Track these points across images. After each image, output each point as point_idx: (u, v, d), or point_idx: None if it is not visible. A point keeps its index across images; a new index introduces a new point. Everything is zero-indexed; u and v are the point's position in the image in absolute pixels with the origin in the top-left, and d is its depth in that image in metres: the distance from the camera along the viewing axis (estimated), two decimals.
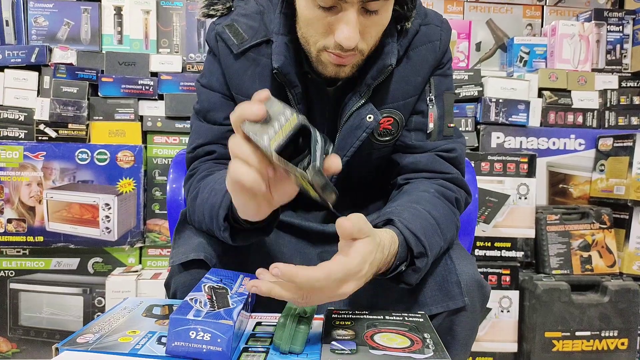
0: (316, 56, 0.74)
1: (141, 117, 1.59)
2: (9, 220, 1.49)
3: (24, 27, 1.61)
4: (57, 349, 0.55)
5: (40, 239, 1.49)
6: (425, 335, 0.64)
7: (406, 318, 0.70)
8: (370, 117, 0.79)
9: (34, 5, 1.60)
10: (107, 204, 1.49)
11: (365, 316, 0.70)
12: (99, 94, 1.56)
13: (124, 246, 1.52)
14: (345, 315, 0.70)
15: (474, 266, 0.79)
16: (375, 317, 0.70)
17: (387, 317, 0.70)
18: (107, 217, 1.49)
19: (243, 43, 0.82)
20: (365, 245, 0.60)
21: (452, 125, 0.86)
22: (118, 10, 1.63)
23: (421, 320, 0.70)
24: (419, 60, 0.81)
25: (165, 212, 1.55)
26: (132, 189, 1.52)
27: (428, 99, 0.84)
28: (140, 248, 1.58)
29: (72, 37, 1.62)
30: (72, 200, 1.48)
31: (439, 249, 0.73)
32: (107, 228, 1.49)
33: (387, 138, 0.83)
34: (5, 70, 1.53)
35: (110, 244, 1.51)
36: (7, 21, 1.59)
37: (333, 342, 0.60)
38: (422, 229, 0.69)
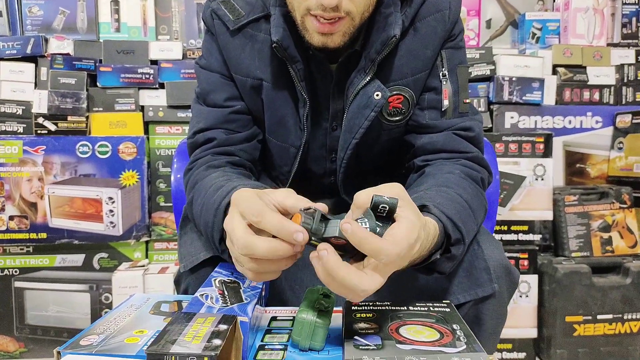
0: (301, 23, 0.68)
1: (142, 107, 1.54)
2: (11, 217, 1.45)
3: (19, 18, 1.56)
4: (59, 352, 0.51)
5: (44, 235, 1.45)
6: (455, 326, 0.59)
7: (432, 308, 0.66)
8: (377, 95, 0.74)
9: None
10: (110, 198, 1.45)
11: (387, 307, 0.66)
12: (98, 84, 1.51)
13: (130, 241, 1.48)
14: (365, 307, 0.66)
15: (501, 251, 0.75)
16: (399, 308, 0.65)
17: (411, 308, 0.65)
18: (111, 211, 1.45)
19: (240, 19, 0.77)
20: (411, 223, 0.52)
21: (467, 101, 0.81)
22: None
23: (448, 310, 0.65)
24: (427, 32, 0.76)
25: (171, 204, 1.51)
26: (136, 181, 1.48)
27: (440, 74, 0.78)
28: (146, 242, 1.54)
29: (68, 27, 1.57)
30: (75, 195, 1.44)
31: (473, 234, 0.68)
32: (112, 222, 1.45)
33: (398, 118, 0.78)
34: (1, 62, 1.48)
35: (116, 239, 1.47)
36: (0, 12, 1.54)
37: (356, 337, 0.55)
38: (458, 214, 0.63)
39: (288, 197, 0.54)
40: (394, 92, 0.76)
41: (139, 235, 1.49)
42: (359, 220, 0.51)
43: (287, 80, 0.76)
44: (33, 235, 1.45)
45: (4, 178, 1.44)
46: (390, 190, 0.53)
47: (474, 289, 0.69)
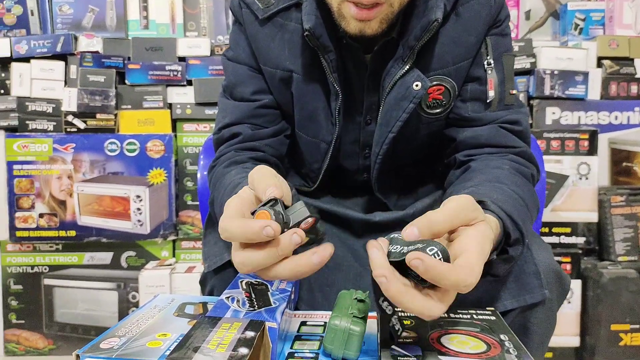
0: (337, 10, 0.64)
1: (170, 104, 1.53)
2: (41, 215, 1.46)
3: (49, 16, 1.57)
4: (78, 356, 0.48)
5: (73, 233, 1.46)
6: (502, 337, 0.54)
7: (475, 316, 0.60)
8: (417, 85, 0.68)
9: None
10: (138, 196, 1.44)
11: None
12: (126, 81, 1.51)
13: (157, 239, 1.47)
14: (403, 314, 0.61)
15: (551, 254, 0.69)
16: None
17: (452, 316, 0.60)
18: (139, 209, 1.44)
19: (269, 7, 0.73)
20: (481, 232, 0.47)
21: (513, 92, 0.75)
22: None
23: (493, 318, 0.59)
24: (470, 17, 0.70)
25: (198, 203, 1.49)
26: (163, 179, 1.47)
27: (485, 62, 0.73)
28: (174, 241, 1.52)
29: (97, 24, 1.57)
30: (103, 193, 1.44)
31: (528, 235, 0.63)
32: (139, 221, 1.44)
33: (438, 110, 0.73)
34: (32, 60, 1.49)
35: (143, 237, 1.46)
36: (32, 11, 1.55)
37: (393, 347, 0.51)
38: (517, 211, 0.58)
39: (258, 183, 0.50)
40: (434, 83, 0.71)
41: (166, 234, 1.48)
42: (425, 249, 0.44)
43: (319, 72, 0.71)
44: (62, 233, 1.46)
45: (34, 176, 1.45)
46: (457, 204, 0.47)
47: (522, 295, 0.64)
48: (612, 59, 1.59)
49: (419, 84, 0.68)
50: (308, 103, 0.75)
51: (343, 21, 0.65)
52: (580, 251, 1.45)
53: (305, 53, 0.72)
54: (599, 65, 1.59)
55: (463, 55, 0.72)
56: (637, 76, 1.59)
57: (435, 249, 0.44)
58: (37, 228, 1.45)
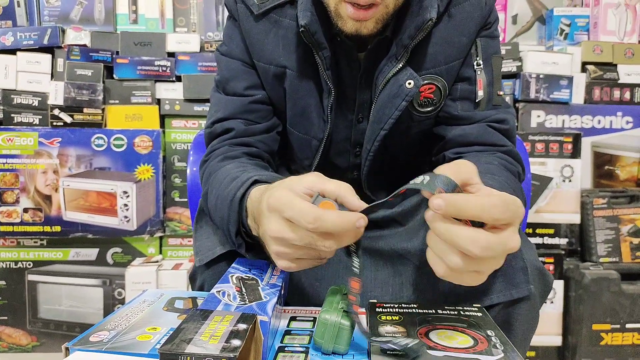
0: (335, 9, 0.66)
1: (158, 100, 1.52)
2: (25, 210, 1.44)
3: (36, 8, 1.55)
4: (67, 348, 0.48)
5: (58, 228, 1.44)
6: (489, 332, 0.55)
7: (462, 312, 0.61)
8: (410, 83, 0.70)
9: None
10: (125, 192, 1.42)
11: (414, 310, 0.61)
12: (114, 76, 1.49)
13: (144, 236, 1.46)
14: (391, 309, 0.62)
15: (535, 253, 0.70)
16: (426, 310, 0.61)
17: (440, 312, 0.61)
18: (126, 205, 1.43)
19: (264, 3, 0.73)
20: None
21: (501, 93, 0.77)
22: None
23: (480, 314, 0.61)
24: (462, 18, 0.72)
25: (186, 199, 1.49)
26: (151, 175, 1.46)
27: (475, 63, 0.74)
28: (160, 237, 1.51)
29: (85, 18, 1.55)
30: (89, 188, 1.43)
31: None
32: (126, 217, 1.43)
33: (429, 109, 0.75)
34: (18, 53, 1.47)
35: (130, 234, 1.45)
36: (18, 2, 1.53)
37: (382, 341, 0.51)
38: None
39: (324, 182, 0.51)
40: (426, 82, 0.72)
41: (153, 230, 1.47)
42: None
43: (312, 69, 0.72)
44: (47, 228, 1.44)
45: (18, 170, 1.43)
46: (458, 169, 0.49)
47: (508, 290, 0.65)
48: (596, 64, 1.62)
49: (412, 82, 0.70)
50: (300, 99, 0.75)
51: (340, 21, 0.66)
52: (562, 252, 1.48)
53: (299, 49, 0.72)
54: (583, 70, 1.62)
55: (454, 56, 0.73)
56: (620, 81, 1.62)
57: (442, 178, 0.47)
58: (22, 223, 1.43)
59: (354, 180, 0.85)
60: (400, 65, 0.70)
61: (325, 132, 0.75)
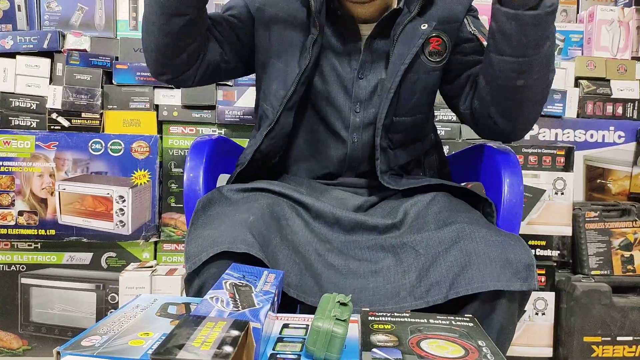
0: None
1: (156, 106, 1.53)
2: (20, 213, 1.44)
3: (37, 13, 1.56)
4: (58, 353, 0.48)
5: (52, 232, 1.44)
6: (480, 342, 0.56)
7: (453, 322, 0.62)
8: (424, 26, 0.85)
9: None
10: (121, 197, 1.43)
11: (406, 319, 0.62)
12: (113, 81, 1.50)
13: (139, 241, 1.46)
14: (383, 318, 0.63)
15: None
16: (419, 320, 0.62)
17: (431, 321, 0.62)
18: (121, 210, 1.43)
19: None
20: None
21: None
22: None
23: (471, 324, 0.62)
24: None
25: (181, 205, 1.49)
26: (147, 181, 1.46)
27: (470, 30, 0.89)
28: (155, 243, 1.52)
29: (85, 23, 1.56)
30: (85, 192, 1.43)
31: (544, 57, 0.79)
32: (121, 221, 1.43)
33: (437, 59, 0.88)
34: (17, 56, 1.47)
35: (124, 238, 1.45)
36: (19, 6, 1.54)
37: (374, 350, 0.52)
38: None
39: None
40: (434, 34, 0.86)
41: (148, 235, 1.47)
42: None
43: (304, 16, 0.86)
44: (42, 232, 1.44)
45: (15, 173, 1.43)
46: None
47: (512, 281, 0.68)
48: (589, 79, 1.65)
49: (426, 25, 0.84)
50: (288, 37, 0.87)
51: (345, 2, 0.84)
52: (554, 264, 1.49)
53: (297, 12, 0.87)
54: (577, 84, 1.65)
55: (454, 19, 0.88)
56: (612, 96, 1.65)
57: None
58: (16, 226, 1.43)
59: (340, 161, 0.94)
60: (414, 14, 0.84)
61: (304, 65, 0.85)
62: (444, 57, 0.88)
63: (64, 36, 1.51)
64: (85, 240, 1.44)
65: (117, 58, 1.52)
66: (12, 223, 1.43)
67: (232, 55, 0.93)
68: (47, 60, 1.49)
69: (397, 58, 0.84)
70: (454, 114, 1.57)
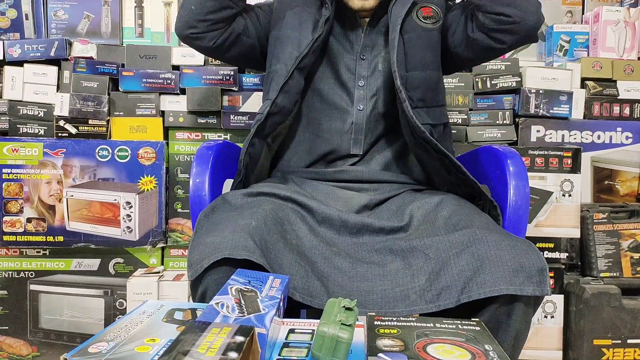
0: None
1: (162, 112, 1.54)
2: (29, 220, 1.45)
3: (44, 21, 1.57)
4: (66, 359, 0.48)
5: (61, 238, 1.45)
6: (487, 347, 0.55)
7: (460, 326, 0.62)
8: None
9: None
10: (128, 203, 1.44)
11: (413, 324, 0.62)
12: (120, 88, 1.51)
13: (146, 246, 1.47)
14: (389, 323, 0.62)
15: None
16: (425, 324, 0.62)
17: (438, 325, 0.62)
18: (128, 216, 1.44)
19: None
20: None
21: None
22: (139, 3, 1.59)
23: (477, 328, 0.61)
24: None
25: (188, 210, 1.50)
26: (154, 186, 1.47)
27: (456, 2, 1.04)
28: (162, 248, 1.52)
29: (92, 31, 1.58)
30: (93, 199, 1.44)
31: None
32: (128, 227, 1.44)
33: (431, 21, 0.99)
34: (25, 64, 1.49)
35: (132, 244, 1.46)
36: (26, 15, 1.56)
37: (380, 355, 0.52)
38: None
39: None
40: (424, 4, 0.99)
41: (155, 241, 1.48)
42: None
43: (316, 11, 1.00)
44: (50, 238, 1.45)
45: (23, 180, 1.45)
46: None
47: (525, 285, 0.68)
48: (595, 80, 1.64)
49: None
50: (303, 14, 1.00)
51: (350, 0, 0.97)
52: (563, 266, 1.48)
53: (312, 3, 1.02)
54: (583, 85, 1.64)
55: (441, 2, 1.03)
56: (619, 97, 1.64)
57: None
58: (25, 232, 1.45)
59: (348, 137, 1.00)
60: None
61: (316, 35, 0.96)
62: (438, 20, 1.00)
63: (70, 44, 1.53)
64: (93, 246, 1.45)
65: (123, 65, 1.53)
66: (21, 230, 1.45)
67: (252, 31, 1.05)
68: (54, 68, 1.50)
69: (395, 17, 0.95)
70: (459, 117, 1.57)
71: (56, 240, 1.45)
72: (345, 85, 1.01)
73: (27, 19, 1.56)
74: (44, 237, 1.45)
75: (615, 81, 1.65)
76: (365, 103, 1.00)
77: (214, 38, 1.01)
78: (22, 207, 1.45)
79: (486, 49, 0.98)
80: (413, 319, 0.64)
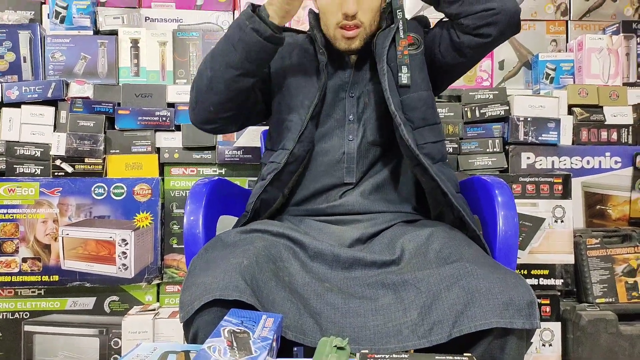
0: (333, 35, 1.01)
1: (158, 148, 1.56)
2: (24, 260, 1.45)
3: (41, 63, 1.61)
4: None
5: (56, 278, 1.45)
6: None
7: None
8: (393, 26, 1.02)
9: (51, 40, 1.61)
10: (123, 240, 1.44)
11: None
12: (116, 126, 1.54)
13: (141, 283, 1.47)
14: (382, 359, 0.63)
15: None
16: None
17: None
18: (124, 253, 1.44)
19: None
20: None
21: None
22: (135, 43, 1.63)
23: None
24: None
25: (183, 246, 1.50)
26: (149, 223, 1.48)
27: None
28: (158, 285, 1.52)
29: (89, 71, 1.61)
30: (88, 237, 1.44)
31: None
32: (124, 265, 1.44)
33: (413, 47, 1.05)
34: (22, 106, 1.52)
35: (127, 282, 1.46)
36: (24, 57, 1.59)
37: None
38: None
39: None
40: (406, 35, 1.04)
41: (151, 278, 1.47)
42: None
43: (311, 48, 1.07)
44: (45, 278, 1.45)
45: (19, 220, 1.46)
46: None
47: (515, 318, 0.68)
48: (582, 106, 1.67)
49: (394, 26, 1.02)
50: (303, 63, 1.06)
51: (337, 42, 1.02)
52: (559, 293, 1.48)
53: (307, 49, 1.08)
54: (570, 112, 1.67)
55: (418, 31, 1.09)
56: (606, 122, 1.67)
57: None
58: (20, 273, 1.44)
59: (346, 155, 1.03)
60: (385, 26, 1.03)
61: (322, 81, 1.01)
62: (419, 45, 1.06)
63: (67, 85, 1.56)
64: (88, 284, 1.45)
65: (119, 104, 1.56)
66: (16, 270, 1.45)
67: (260, 95, 1.09)
68: (51, 109, 1.53)
69: (380, 48, 1.01)
70: (450, 146, 1.60)
71: (51, 279, 1.45)
72: (338, 123, 1.05)
73: (25, 61, 1.59)
74: (39, 276, 1.45)
75: (601, 107, 1.69)
76: (355, 134, 1.03)
77: (235, 126, 1.10)
78: (18, 247, 1.45)
79: (475, 47, 1.02)
80: (406, 355, 0.65)
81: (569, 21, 1.91)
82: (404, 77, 1.00)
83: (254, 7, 0.94)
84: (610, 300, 1.47)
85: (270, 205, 1.01)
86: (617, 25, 1.83)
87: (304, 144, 0.99)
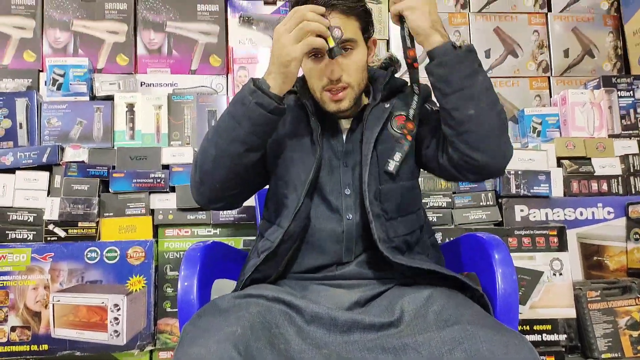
0: (320, 98, 0.98)
1: (152, 210, 1.56)
2: (13, 329, 1.41)
3: (37, 129, 1.63)
4: None
5: (45, 347, 1.40)
6: None
7: None
8: (387, 105, 1.00)
9: (47, 107, 1.64)
10: (116, 305, 1.41)
11: None
12: (110, 189, 1.54)
13: (133, 350, 1.42)
14: None
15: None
16: None
17: None
18: (116, 319, 1.40)
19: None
20: None
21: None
22: (130, 107, 1.66)
23: None
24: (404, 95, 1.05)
25: (177, 310, 1.46)
26: (143, 286, 1.45)
27: (427, 105, 1.04)
28: (151, 352, 1.47)
29: (84, 135, 1.64)
30: (80, 303, 1.41)
31: (481, 87, 0.88)
32: (116, 331, 1.40)
33: (413, 133, 1.01)
34: (17, 171, 1.52)
35: (119, 349, 1.41)
36: (20, 124, 1.62)
37: None
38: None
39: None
40: (397, 113, 1.01)
41: (143, 344, 1.43)
42: None
43: (306, 126, 1.01)
44: (34, 347, 1.40)
45: (9, 287, 1.42)
46: None
47: None
48: (570, 158, 1.70)
49: (388, 104, 1.01)
50: (298, 133, 1.02)
51: (325, 104, 0.98)
52: (563, 349, 1.44)
53: (300, 118, 1.03)
54: (559, 164, 1.70)
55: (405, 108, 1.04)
56: (596, 174, 1.70)
57: None
58: (8, 342, 1.40)
59: (339, 244, 0.98)
60: (379, 101, 1.01)
61: (317, 153, 0.97)
62: (415, 130, 1.03)
63: (62, 149, 1.58)
64: (78, 353, 1.40)
65: (114, 167, 1.57)
66: (4, 340, 1.40)
67: (263, 168, 1.06)
68: (46, 174, 1.53)
69: (369, 131, 0.98)
70: (444, 200, 1.61)
71: (40, 349, 1.40)
72: (333, 194, 1.00)
73: (21, 127, 1.62)
74: (28, 346, 1.40)
75: (589, 159, 1.72)
76: (354, 212, 0.98)
77: (241, 201, 1.06)
78: (7, 316, 1.41)
79: (451, 177, 1.01)
80: None
81: (550, 77, 1.99)
82: (392, 165, 0.96)
83: (254, 81, 0.91)
84: (616, 355, 1.43)
85: (263, 281, 0.99)
86: (598, 80, 1.90)
87: (299, 221, 0.96)
